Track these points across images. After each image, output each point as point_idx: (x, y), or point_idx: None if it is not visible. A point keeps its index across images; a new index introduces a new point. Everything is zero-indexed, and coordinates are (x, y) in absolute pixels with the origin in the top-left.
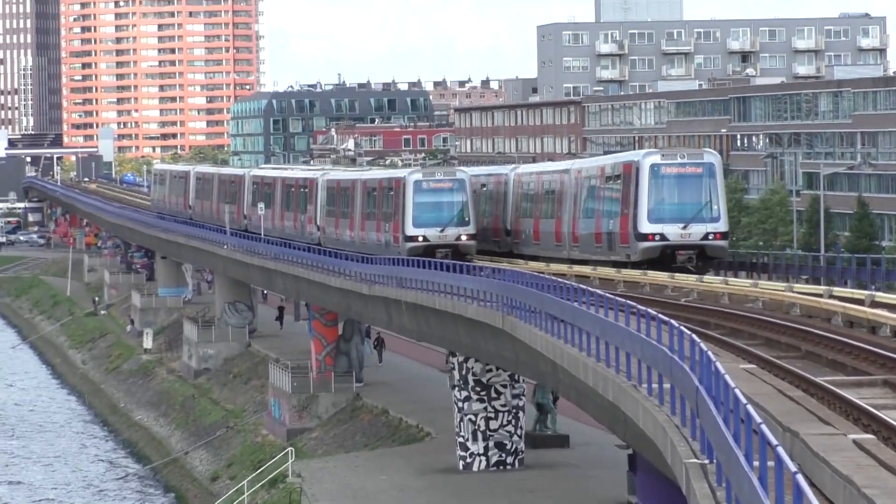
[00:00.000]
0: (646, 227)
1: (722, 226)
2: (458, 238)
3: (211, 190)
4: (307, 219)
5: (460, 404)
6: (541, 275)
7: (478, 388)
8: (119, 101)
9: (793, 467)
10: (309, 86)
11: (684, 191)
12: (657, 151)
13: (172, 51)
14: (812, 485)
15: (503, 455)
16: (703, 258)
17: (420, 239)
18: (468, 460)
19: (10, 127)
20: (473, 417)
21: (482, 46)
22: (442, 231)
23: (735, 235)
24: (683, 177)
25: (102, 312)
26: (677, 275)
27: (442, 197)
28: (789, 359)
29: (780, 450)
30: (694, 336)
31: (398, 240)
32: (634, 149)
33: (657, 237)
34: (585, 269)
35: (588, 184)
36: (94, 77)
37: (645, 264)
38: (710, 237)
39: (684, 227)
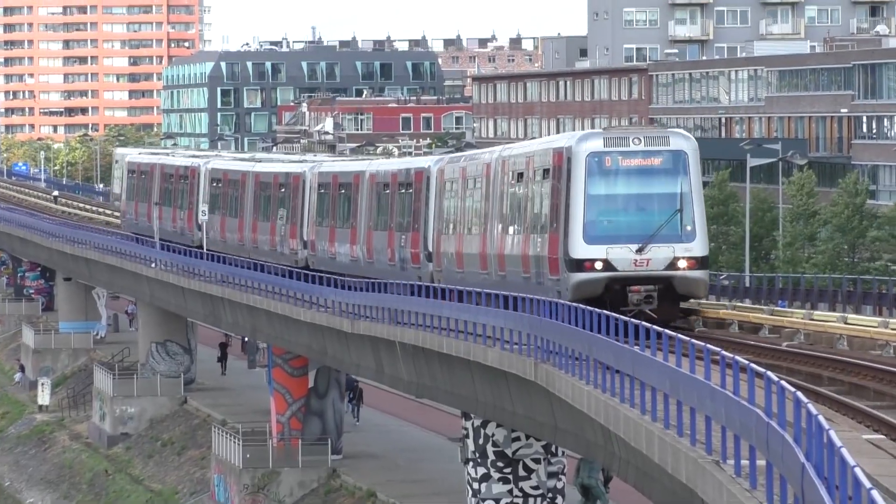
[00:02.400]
0: (581, 249)
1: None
2: (674, 264)
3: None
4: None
5: (476, 486)
6: (589, 308)
7: (500, 464)
8: (6, 61)
9: None
10: (271, 43)
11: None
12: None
13: None
14: None
15: None
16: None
17: (597, 266)
18: None
19: None
20: (495, 503)
21: None
22: (641, 251)
23: (857, 254)
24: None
25: None
26: (779, 310)
27: (642, 184)
28: None
29: None
30: (800, 394)
31: (556, 266)
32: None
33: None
34: None
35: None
36: None
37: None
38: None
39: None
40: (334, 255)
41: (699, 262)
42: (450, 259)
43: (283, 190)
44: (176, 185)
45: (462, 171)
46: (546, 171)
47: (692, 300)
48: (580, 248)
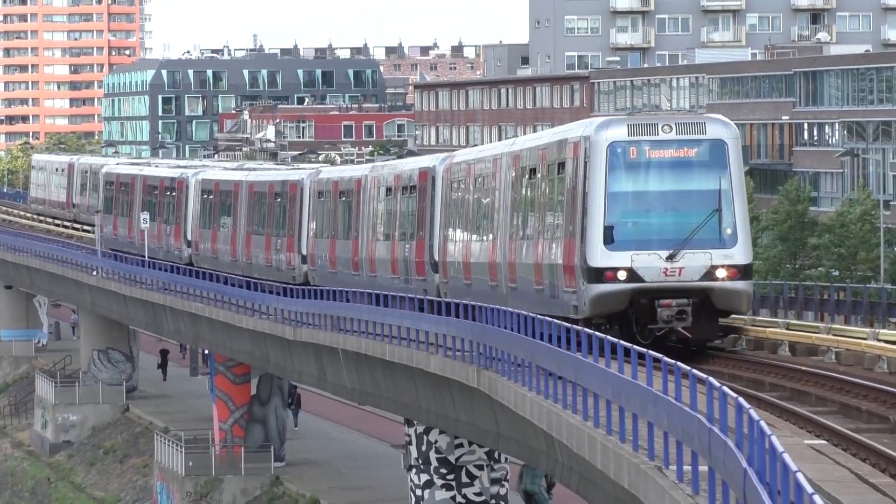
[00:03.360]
0: (601, 256)
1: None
2: (712, 273)
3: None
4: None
5: (419, 492)
6: (531, 315)
7: (443, 471)
8: None
9: None
10: (213, 51)
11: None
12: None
13: (24, 1)
14: None
15: None
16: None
17: (620, 276)
18: None
19: None
20: None
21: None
22: (672, 258)
23: (799, 261)
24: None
25: None
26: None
27: (673, 179)
28: (873, 432)
29: None
30: (741, 400)
31: (572, 276)
32: None
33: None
34: None
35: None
36: None
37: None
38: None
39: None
40: (335, 269)
41: (741, 272)
42: (456, 268)
43: (279, 199)
44: (161, 199)
45: (469, 169)
46: (561, 166)
47: (733, 315)
48: (600, 255)
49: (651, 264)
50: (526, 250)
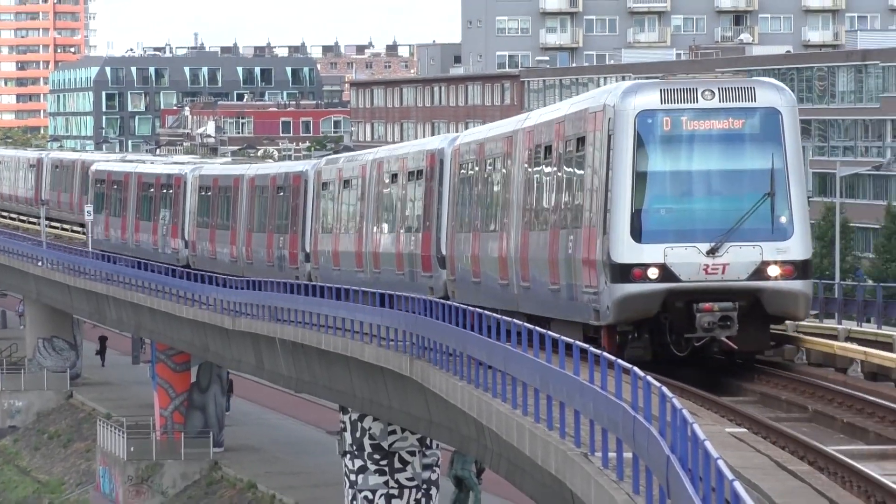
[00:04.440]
0: (628, 250)
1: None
2: (763, 271)
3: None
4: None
5: (353, 477)
6: (462, 305)
7: (377, 457)
8: None
9: None
10: (155, 49)
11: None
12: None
13: None
14: None
15: None
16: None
17: (651, 274)
18: None
19: None
20: (370, 495)
21: (388, 1)
22: (714, 253)
23: None
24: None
25: None
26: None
27: (716, 157)
28: (792, 421)
29: None
30: (665, 389)
31: (594, 274)
32: None
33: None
34: None
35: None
36: None
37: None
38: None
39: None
40: (339, 266)
41: (798, 269)
42: (464, 264)
43: (281, 193)
44: (156, 198)
45: (479, 150)
46: (580, 142)
47: (787, 321)
48: (626, 249)
49: (688, 260)
50: (539, 243)
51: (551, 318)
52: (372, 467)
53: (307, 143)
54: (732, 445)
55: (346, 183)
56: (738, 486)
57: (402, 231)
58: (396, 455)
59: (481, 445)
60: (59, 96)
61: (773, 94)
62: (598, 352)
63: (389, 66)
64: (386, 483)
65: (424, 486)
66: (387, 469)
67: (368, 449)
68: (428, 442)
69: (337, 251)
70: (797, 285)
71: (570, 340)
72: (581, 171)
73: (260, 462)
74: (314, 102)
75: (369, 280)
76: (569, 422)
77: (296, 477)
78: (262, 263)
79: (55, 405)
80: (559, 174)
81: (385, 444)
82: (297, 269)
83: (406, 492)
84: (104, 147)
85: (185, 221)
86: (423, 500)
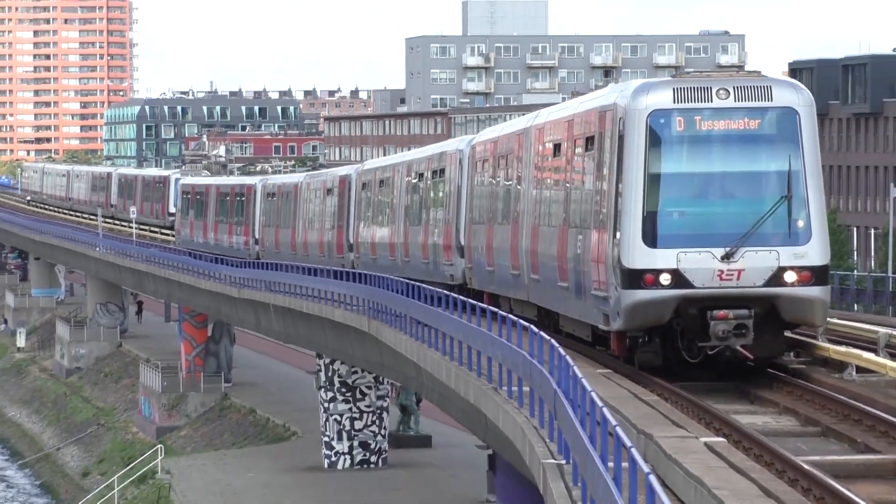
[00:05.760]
0: (639, 255)
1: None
2: (779, 277)
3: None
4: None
5: (326, 405)
6: (406, 280)
7: (343, 390)
8: None
9: (646, 468)
10: (181, 93)
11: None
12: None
13: (48, 56)
14: (664, 485)
15: (367, 454)
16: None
17: (663, 280)
18: (333, 459)
19: None
20: (339, 418)
21: (352, 58)
22: (729, 258)
23: None
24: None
25: None
26: None
27: (732, 158)
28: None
29: (634, 451)
30: (553, 341)
31: (603, 278)
32: None
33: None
34: None
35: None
36: None
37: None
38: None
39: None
40: (375, 255)
41: (816, 275)
42: (479, 253)
43: (329, 195)
44: (232, 204)
45: (493, 148)
46: (590, 141)
47: (803, 327)
48: (638, 254)
49: (702, 265)
50: (549, 240)
51: (559, 314)
52: (340, 397)
53: (292, 162)
54: (602, 382)
55: (381, 183)
56: (605, 411)
57: (427, 224)
58: (358, 389)
59: (420, 382)
60: (111, 127)
61: (790, 93)
62: (505, 314)
63: (353, 106)
64: (350, 409)
65: (378, 411)
66: (350, 399)
67: (337, 384)
68: (381, 379)
69: (374, 242)
70: (815, 292)
71: (484, 305)
72: (590, 172)
73: (258, 394)
74: (297, 132)
75: (400, 266)
76: (484, 365)
77: (285, 404)
78: (315, 253)
79: (108, 352)
80: (567, 173)
81: (349, 381)
82: (343, 258)
83: (365, 415)
84: (143, 164)
85: (256, 222)
86: (377, 421)
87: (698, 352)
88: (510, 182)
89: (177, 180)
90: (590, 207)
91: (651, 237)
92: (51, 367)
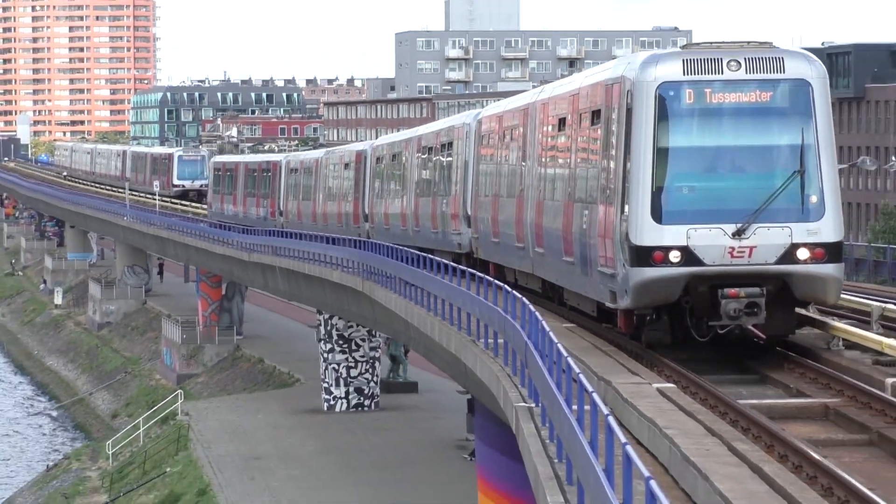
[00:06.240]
0: (648, 232)
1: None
2: (792, 254)
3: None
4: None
5: (325, 355)
6: (396, 246)
7: (341, 342)
8: (35, 91)
9: (605, 411)
10: (199, 81)
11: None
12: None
13: (81, 49)
14: (622, 425)
15: (361, 399)
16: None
17: (672, 257)
18: (332, 403)
19: None
20: (336, 366)
21: (348, 50)
22: (740, 234)
23: None
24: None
25: (19, 273)
26: None
27: (743, 131)
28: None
29: (595, 396)
30: (524, 299)
31: (610, 255)
32: None
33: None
34: None
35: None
36: (13, 71)
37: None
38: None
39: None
40: (388, 225)
41: (830, 252)
42: (485, 224)
43: (346, 169)
44: (259, 179)
45: (499, 123)
46: (596, 115)
47: (814, 305)
48: (646, 231)
49: (713, 242)
50: (553, 214)
51: (564, 288)
52: (337, 349)
53: (296, 142)
54: (566, 334)
55: (394, 157)
56: (570, 360)
57: (437, 195)
58: (353, 341)
59: (408, 335)
60: (137, 111)
61: (803, 65)
62: (482, 275)
63: (349, 92)
64: (346, 359)
65: (371, 361)
66: (347, 350)
67: (335, 337)
68: (374, 333)
69: (387, 213)
70: (828, 269)
71: (464, 267)
72: (596, 146)
73: (266, 345)
74: (300, 115)
75: (411, 236)
76: (464, 319)
77: (289, 354)
78: (334, 223)
79: (135, 308)
80: (573, 148)
81: (346, 334)
82: (359, 228)
83: (359, 364)
84: (165, 144)
85: (281, 195)
86: (370, 370)
87: (707, 330)
88: (515, 156)
89: (179, 157)
90: (596, 183)
91: (659, 213)
92: (84, 322)
